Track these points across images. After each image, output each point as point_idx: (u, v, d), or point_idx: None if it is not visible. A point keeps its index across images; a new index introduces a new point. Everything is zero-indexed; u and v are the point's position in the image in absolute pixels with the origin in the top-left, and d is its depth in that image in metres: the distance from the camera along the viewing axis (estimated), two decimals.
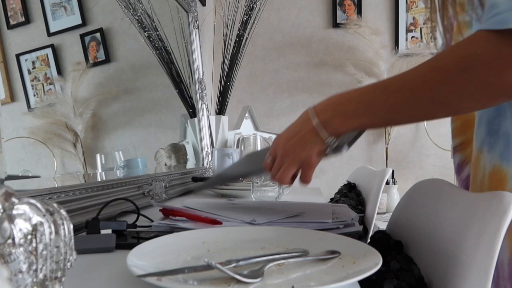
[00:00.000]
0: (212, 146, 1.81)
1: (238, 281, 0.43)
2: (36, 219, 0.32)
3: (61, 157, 1.00)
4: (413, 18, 2.41)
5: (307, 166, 0.65)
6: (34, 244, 0.32)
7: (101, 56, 1.15)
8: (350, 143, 0.63)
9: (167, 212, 0.82)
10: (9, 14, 0.86)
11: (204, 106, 1.79)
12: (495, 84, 0.53)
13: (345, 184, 1.56)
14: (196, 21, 1.81)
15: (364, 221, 1.25)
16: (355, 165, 2.45)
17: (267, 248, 0.58)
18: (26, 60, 0.93)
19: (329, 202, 1.34)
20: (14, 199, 0.31)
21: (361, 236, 0.72)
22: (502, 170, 0.65)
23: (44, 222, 0.32)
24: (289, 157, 0.66)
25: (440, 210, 0.70)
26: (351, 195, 1.44)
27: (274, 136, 2.26)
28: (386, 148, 2.37)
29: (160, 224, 0.76)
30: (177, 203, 1.19)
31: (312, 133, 0.64)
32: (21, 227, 0.31)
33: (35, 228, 0.32)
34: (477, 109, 0.65)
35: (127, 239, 0.69)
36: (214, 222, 0.76)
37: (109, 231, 0.70)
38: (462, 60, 0.54)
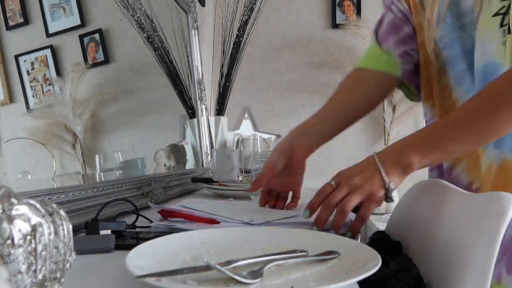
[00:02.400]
0: (212, 146, 1.81)
1: (238, 282, 0.43)
2: (35, 219, 0.32)
3: (60, 158, 1.00)
4: None
5: (372, 199, 0.68)
6: (33, 245, 0.32)
7: (100, 56, 1.15)
8: None
9: (166, 214, 0.82)
10: (8, 15, 0.86)
11: (203, 106, 1.79)
12: None
13: None
14: (195, 22, 1.81)
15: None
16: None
17: (266, 249, 0.58)
18: (25, 61, 0.93)
19: None
20: (13, 200, 0.31)
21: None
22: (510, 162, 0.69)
23: (44, 223, 0.32)
24: (356, 188, 0.68)
25: (439, 211, 0.70)
26: None
27: (273, 137, 2.26)
28: None
29: (159, 225, 0.76)
30: (176, 204, 1.19)
31: (380, 175, 0.68)
32: (20, 227, 0.31)
33: (34, 228, 0.32)
34: None
35: (126, 240, 0.69)
36: (212, 222, 0.76)
37: (108, 231, 0.70)
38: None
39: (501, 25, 0.70)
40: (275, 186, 0.91)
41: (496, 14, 0.71)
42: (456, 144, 0.67)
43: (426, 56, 0.83)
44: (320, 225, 0.69)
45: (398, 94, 2.29)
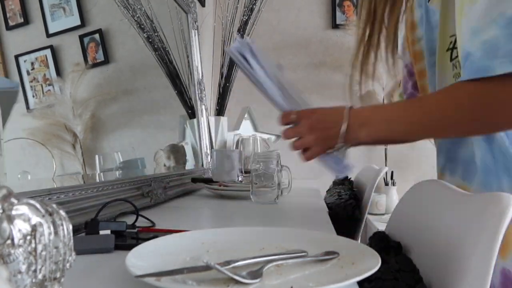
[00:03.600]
0: (212, 147, 1.81)
1: (237, 282, 0.43)
2: (35, 219, 0.32)
3: (60, 158, 1.00)
4: None
5: (316, 151, 0.78)
6: (33, 245, 0.32)
7: (100, 57, 1.15)
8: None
9: None
10: (8, 15, 0.86)
11: (203, 107, 1.79)
12: (492, 126, 0.66)
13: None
14: (196, 22, 1.81)
15: (360, 211, 1.28)
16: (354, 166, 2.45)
17: (266, 249, 0.59)
18: (25, 61, 0.93)
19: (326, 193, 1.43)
20: (13, 200, 0.31)
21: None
22: (465, 188, 0.74)
23: (43, 223, 0.32)
24: (311, 134, 0.77)
25: (439, 211, 0.70)
26: (346, 183, 1.46)
27: (273, 137, 2.26)
28: (386, 149, 2.37)
29: None
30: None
31: (336, 132, 0.74)
32: (20, 227, 0.31)
33: (34, 228, 0.32)
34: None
35: (126, 240, 0.69)
36: None
37: (108, 231, 0.70)
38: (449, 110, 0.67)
39: (451, 59, 0.77)
40: None
41: (447, 49, 0.78)
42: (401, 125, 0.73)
43: None
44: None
45: (397, 95, 2.29)
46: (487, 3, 0.61)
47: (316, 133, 0.77)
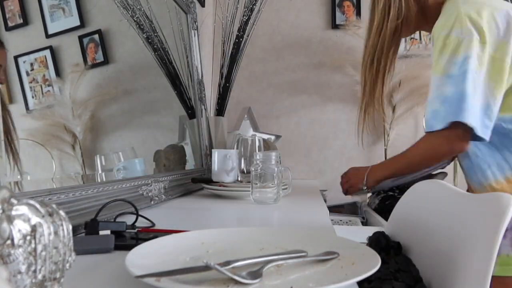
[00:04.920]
0: (211, 147, 1.81)
1: (237, 282, 0.43)
2: (35, 220, 0.32)
3: (59, 159, 1.00)
4: None
5: (351, 191, 1.41)
6: (33, 245, 0.32)
7: (100, 57, 1.15)
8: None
9: None
10: (7, 16, 0.86)
11: (203, 107, 1.79)
12: (444, 156, 1.11)
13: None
14: (195, 22, 1.81)
15: None
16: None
17: (266, 249, 0.59)
18: (24, 62, 0.93)
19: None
20: (13, 200, 0.31)
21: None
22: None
23: (43, 223, 0.32)
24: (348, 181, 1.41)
25: (439, 212, 0.70)
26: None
27: (273, 137, 2.26)
28: (385, 149, 2.37)
29: None
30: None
31: (363, 179, 1.33)
32: (20, 228, 0.31)
33: (34, 229, 0.32)
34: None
35: (126, 240, 0.69)
36: None
37: (107, 232, 0.70)
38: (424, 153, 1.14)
39: None
40: None
41: None
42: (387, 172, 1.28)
43: None
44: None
45: (398, 95, 2.29)
46: (437, 84, 1.02)
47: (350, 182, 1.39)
